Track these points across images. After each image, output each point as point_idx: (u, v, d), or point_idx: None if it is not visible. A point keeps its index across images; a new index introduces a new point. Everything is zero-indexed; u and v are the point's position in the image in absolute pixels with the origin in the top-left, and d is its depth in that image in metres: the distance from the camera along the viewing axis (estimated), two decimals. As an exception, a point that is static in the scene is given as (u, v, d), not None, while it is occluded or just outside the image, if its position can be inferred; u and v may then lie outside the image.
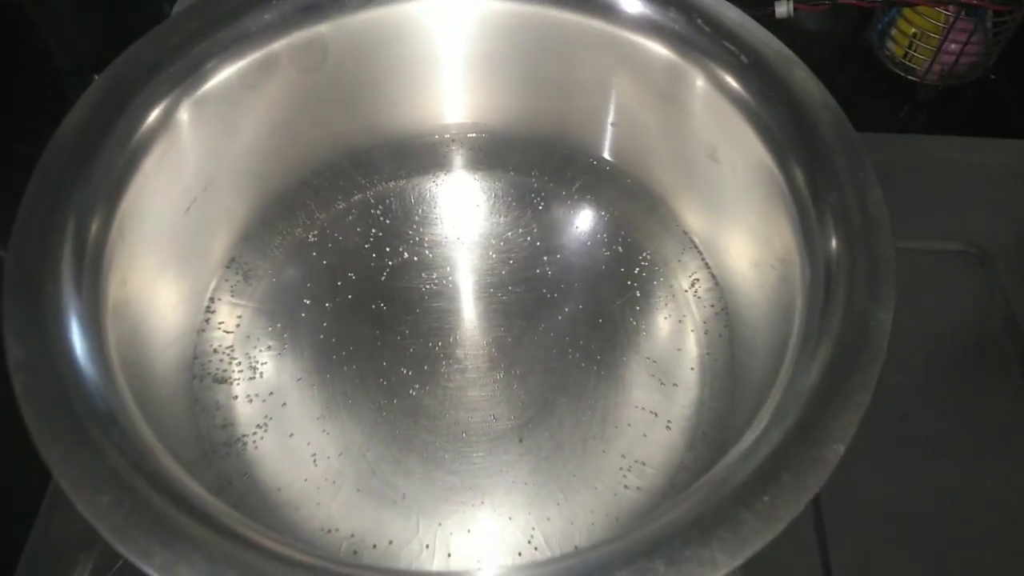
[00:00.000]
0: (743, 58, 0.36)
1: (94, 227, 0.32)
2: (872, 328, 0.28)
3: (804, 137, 0.34)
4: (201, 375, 0.41)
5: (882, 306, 0.29)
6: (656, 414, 0.41)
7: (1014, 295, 0.52)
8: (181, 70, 0.36)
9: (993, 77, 0.65)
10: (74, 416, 0.27)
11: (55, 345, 0.28)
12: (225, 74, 0.37)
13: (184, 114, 0.36)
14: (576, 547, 0.37)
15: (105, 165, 0.33)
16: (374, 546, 0.37)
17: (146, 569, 0.24)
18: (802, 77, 0.36)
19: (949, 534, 0.43)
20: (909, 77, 0.64)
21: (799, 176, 0.34)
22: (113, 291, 0.33)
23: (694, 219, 0.46)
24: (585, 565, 0.25)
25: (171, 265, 0.40)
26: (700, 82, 0.39)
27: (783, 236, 0.36)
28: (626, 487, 0.39)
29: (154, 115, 0.34)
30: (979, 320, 0.52)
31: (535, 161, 0.49)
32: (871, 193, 0.32)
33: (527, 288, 0.45)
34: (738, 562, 0.24)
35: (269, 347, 0.43)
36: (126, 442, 0.27)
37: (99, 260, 0.32)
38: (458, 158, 0.50)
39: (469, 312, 0.45)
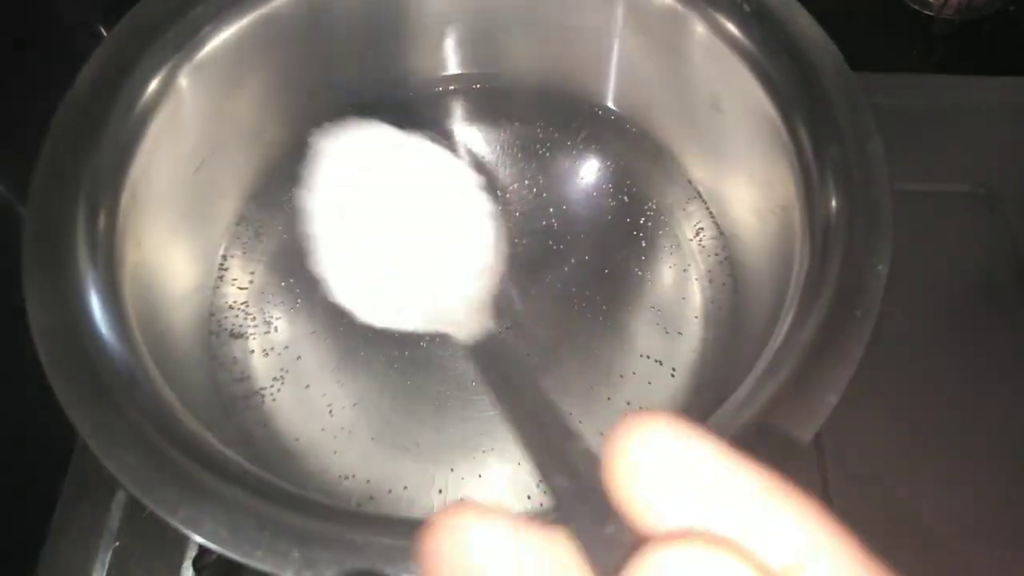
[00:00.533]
0: (745, 6, 0.36)
1: (107, 194, 0.32)
2: (868, 282, 0.29)
3: (806, 88, 0.34)
4: (217, 331, 0.43)
5: (878, 259, 0.29)
6: (661, 362, 0.42)
7: (1022, 237, 0.52)
8: (183, 32, 0.36)
9: (1012, 8, 0.63)
10: (98, 380, 0.28)
11: (76, 311, 0.29)
12: (227, 33, 0.38)
13: (186, 77, 0.36)
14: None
15: (114, 131, 0.33)
16: (389, 491, 0.39)
17: (172, 522, 0.25)
18: (805, 25, 0.35)
19: (952, 476, 0.44)
20: (925, 12, 0.62)
21: (800, 127, 0.34)
22: (129, 254, 0.34)
23: (698, 168, 0.46)
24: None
25: (183, 225, 0.41)
26: (701, 29, 0.39)
27: (784, 183, 0.36)
28: (631, 433, 0.41)
29: (158, 79, 0.35)
30: (986, 262, 0.52)
31: (540, 111, 0.49)
32: (871, 145, 0.32)
33: (533, 240, 0.46)
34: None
35: (283, 302, 0.44)
36: (148, 403, 0.28)
37: (113, 225, 0.33)
38: (462, 109, 0.50)
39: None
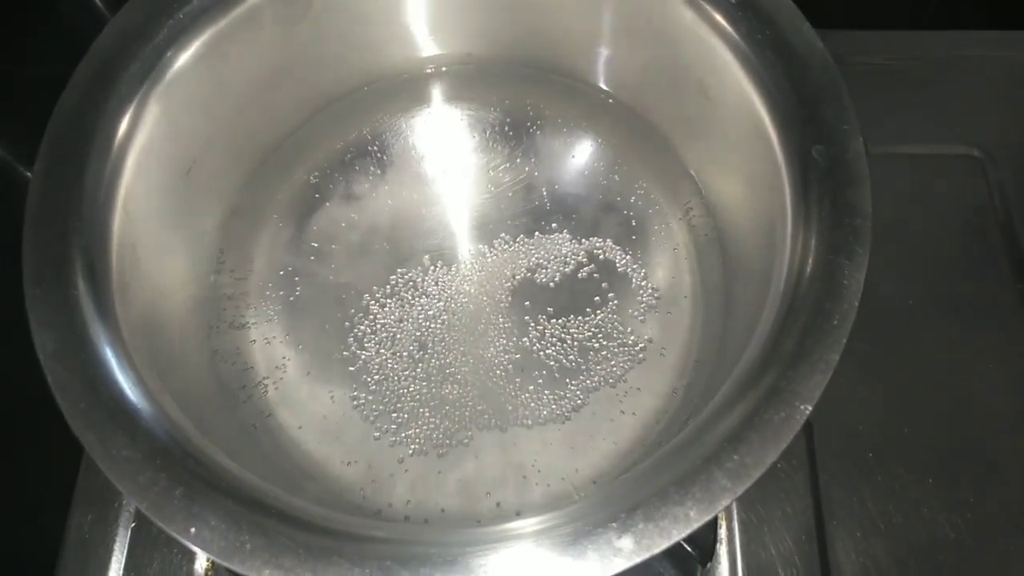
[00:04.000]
0: (731, -1, 0.35)
1: (100, 213, 0.33)
2: (845, 289, 0.30)
3: (792, 85, 0.34)
4: (216, 324, 0.44)
5: (855, 266, 0.30)
6: (651, 341, 0.44)
7: (1015, 201, 0.52)
8: (168, 36, 0.36)
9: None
10: (103, 403, 0.29)
11: (77, 333, 0.30)
12: (192, 51, 0.37)
13: (172, 82, 0.37)
14: (570, 482, 0.40)
15: (101, 146, 0.34)
16: (391, 475, 0.41)
17: (184, 541, 0.27)
18: (790, 18, 0.35)
19: (939, 445, 0.45)
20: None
21: (786, 124, 0.34)
22: (126, 263, 0.35)
23: (687, 149, 0.46)
24: (573, 521, 0.28)
25: (179, 225, 0.41)
26: (689, 15, 0.39)
27: (769, 177, 0.36)
28: (622, 412, 0.42)
29: (130, 112, 0.35)
30: (977, 227, 0.52)
31: (529, 91, 0.49)
32: (853, 145, 0.32)
33: (524, 220, 0.47)
34: (709, 517, 0.27)
35: (281, 291, 0.45)
36: (155, 421, 0.30)
37: (107, 239, 0.34)
38: (451, 90, 0.50)
39: (470, 245, 0.46)
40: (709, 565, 0.41)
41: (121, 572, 0.42)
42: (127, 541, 0.43)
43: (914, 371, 0.47)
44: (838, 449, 0.45)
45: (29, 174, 0.54)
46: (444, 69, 0.49)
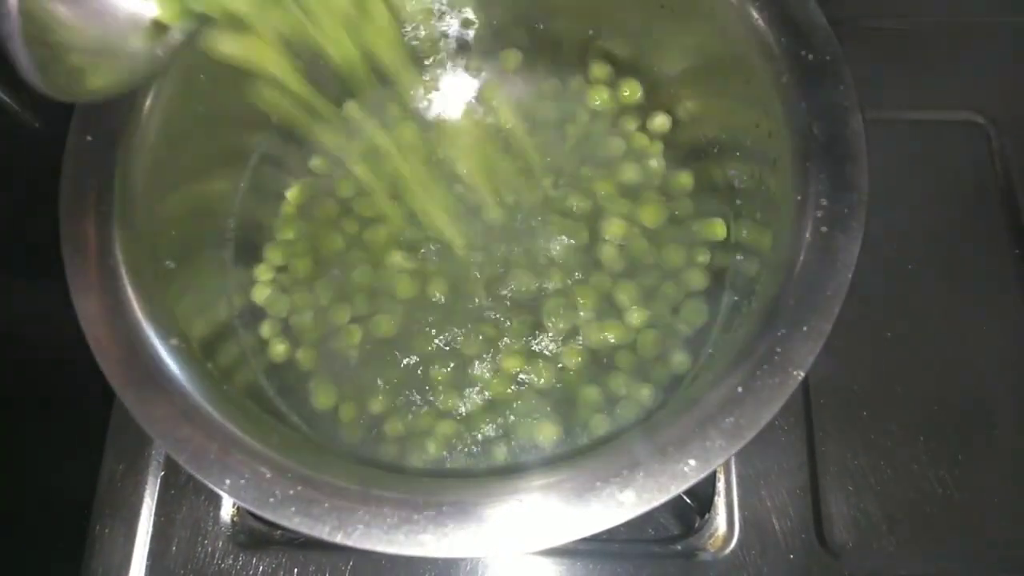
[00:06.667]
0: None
1: (132, 182, 0.35)
2: (839, 262, 0.31)
3: (795, 61, 0.35)
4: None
5: (850, 239, 0.31)
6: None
7: (1016, 167, 0.53)
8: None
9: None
10: (141, 364, 0.31)
11: (116, 298, 0.32)
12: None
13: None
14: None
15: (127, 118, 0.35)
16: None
17: (220, 491, 0.29)
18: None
19: (931, 404, 0.47)
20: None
21: (787, 100, 0.35)
22: (156, 226, 0.37)
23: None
24: (577, 476, 0.30)
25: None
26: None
27: (771, 152, 0.38)
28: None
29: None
30: (978, 192, 0.53)
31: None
32: (852, 122, 0.33)
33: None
34: (705, 474, 0.29)
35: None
36: (188, 378, 0.32)
37: (136, 205, 0.35)
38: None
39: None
40: (707, 516, 0.44)
41: (152, 518, 0.45)
42: (157, 489, 0.46)
43: (910, 333, 0.49)
44: (834, 407, 0.47)
45: (36, 124, 0.55)
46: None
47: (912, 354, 0.48)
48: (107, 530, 0.44)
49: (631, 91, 0.48)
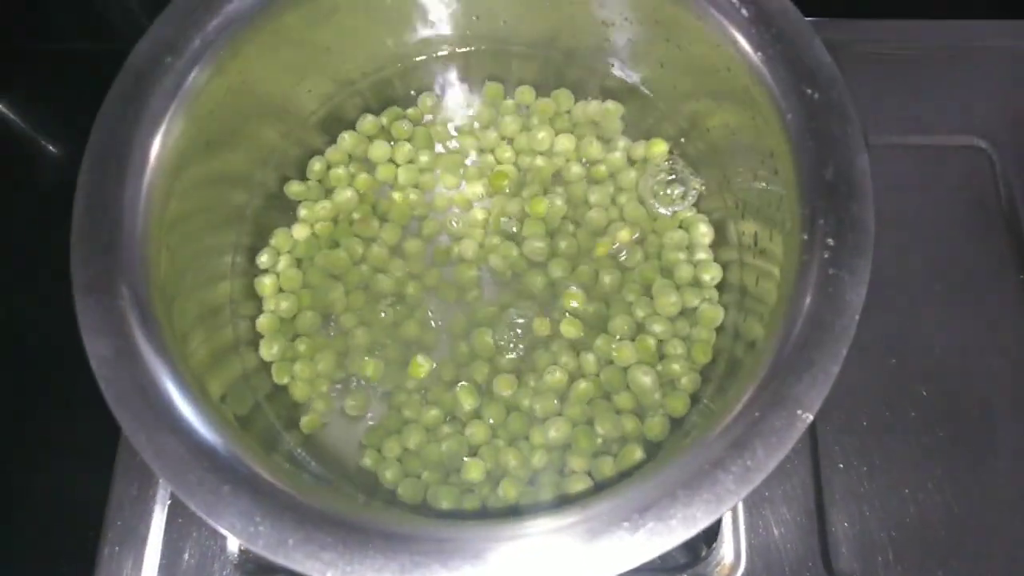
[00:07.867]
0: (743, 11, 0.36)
1: (139, 224, 0.35)
2: (846, 302, 0.31)
3: (800, 100, 0.35)
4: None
5: (857, 280, 0.31)
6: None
7: (1019, 192, 0.53)
8: (197, 50, 0.37)
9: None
10: (152, 405, 0.31)
11: (126, 339, 0.32)
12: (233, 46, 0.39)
13: (199, 94, 0.38)
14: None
15: (137, 161, 0.35)
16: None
17: (230, 536, 0.29)
18: (800, 32, 0.36)
19: (939, 428, 0.47)
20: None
21: (793, 140, 0.35)
22: (165, 269, 0.37)
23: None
24: (588, 520, 0.30)
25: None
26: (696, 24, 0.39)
27: (777, 191, 0.38)
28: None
29: (174, 105, 0.36)
30: (981, 217, 0.53)
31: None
32: (859, 162, 0.33)
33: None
34: (715, 518, 0.29)
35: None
36: (199, 421, 0.32)
37: (147, 249, 0.36)
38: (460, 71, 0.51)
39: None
40: (714, 544, 0.44)
41: (160, 545, 0.45)
42: (165, 515, 0.46)
43: (915, 358, 0.49)
44: (839, 431, 0.47)
45: (52, 148, 0.56)
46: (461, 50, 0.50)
47: (918, 380, 0.48)
48: (116, 552, 0.44)
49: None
